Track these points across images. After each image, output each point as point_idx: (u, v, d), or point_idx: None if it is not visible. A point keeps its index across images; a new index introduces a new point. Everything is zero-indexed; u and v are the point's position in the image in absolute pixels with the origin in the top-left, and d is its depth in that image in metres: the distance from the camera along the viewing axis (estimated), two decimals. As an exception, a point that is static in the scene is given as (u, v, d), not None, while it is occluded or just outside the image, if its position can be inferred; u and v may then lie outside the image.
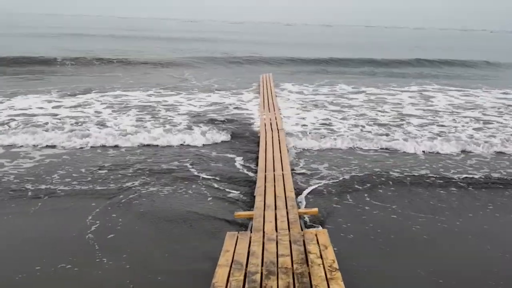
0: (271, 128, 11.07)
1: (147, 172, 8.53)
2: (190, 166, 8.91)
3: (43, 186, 7.72)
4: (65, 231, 6.21)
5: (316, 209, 6.32)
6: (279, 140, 10.05)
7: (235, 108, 14.49)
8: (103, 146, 10.10)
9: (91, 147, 10.05)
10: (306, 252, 4.78)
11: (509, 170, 9.15)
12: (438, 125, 12.68)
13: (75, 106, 13.80)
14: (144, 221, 6.56)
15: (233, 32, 51.98)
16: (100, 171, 8.52)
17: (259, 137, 10.63)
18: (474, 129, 12.36)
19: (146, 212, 6.85)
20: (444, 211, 7.09)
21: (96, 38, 39.07)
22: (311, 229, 5.60)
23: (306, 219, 6.52)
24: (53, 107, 13.60)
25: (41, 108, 13.46)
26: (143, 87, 17.73)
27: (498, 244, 6.10)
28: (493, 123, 13.14)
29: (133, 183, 7.93)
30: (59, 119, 12.23)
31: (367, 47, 38.60)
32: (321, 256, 4.65)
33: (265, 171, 7.99)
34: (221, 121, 12.53)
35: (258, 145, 9.90)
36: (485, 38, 61.99)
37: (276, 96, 16.03)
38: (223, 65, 25.08)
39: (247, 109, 14.31)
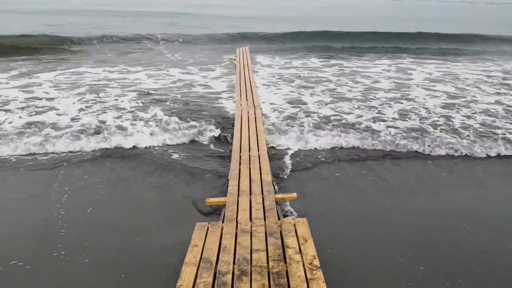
0: (247, 105, 10.49)
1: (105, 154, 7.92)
2: (157, 147, 8.33)
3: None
4: (18, 222, 5.63)
5: (294, 194, 5.82)
6: (255, 117, 9.48)
7: (200, 85, 13.64)
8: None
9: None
10: (283, 246, 4.30)
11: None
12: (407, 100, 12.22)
13: (22, 86, 12.70)
14: (104, 210, 5.98)
15: (219, 6, 50.26)
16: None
17: (233, 115, 10.06)
18: (441, 106, 11.70)
19: (105, 199, 6.27)
20: (424, 190, 6.73)
21: (79, 14, 37.47)
22: (289, 218, 5.11)
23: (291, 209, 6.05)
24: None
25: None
26: (113, 62, 16.94)
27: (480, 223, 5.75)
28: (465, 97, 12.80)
29: (89, 169, 7.33)
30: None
31: (344, 19, 37.81)
32: (300, 251, 4.17)
33: (240, 152, 7.47)
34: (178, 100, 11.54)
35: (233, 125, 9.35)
36: (464, 9, 61.63)
37: (252, 70, 15.41)
38: (202, 40, 24.08)
39: (211, 86, 13.53)
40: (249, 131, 8.60)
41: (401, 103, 11.95)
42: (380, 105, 11.63)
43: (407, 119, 10.43)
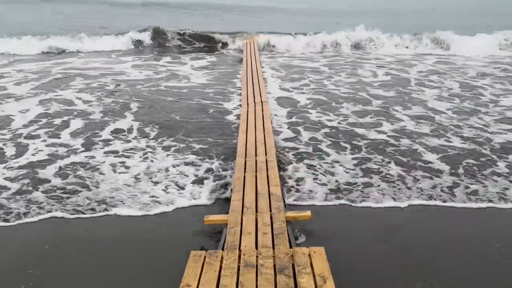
0: (254, 101, 9.58)
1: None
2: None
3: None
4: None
5: (308, 213, 4.93)
6: (262, 115, 8.57)
7: (184, 77, 12.78)
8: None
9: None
10: (296, 289, 3.42)
11: None
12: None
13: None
14: (78, 245, 4.88)
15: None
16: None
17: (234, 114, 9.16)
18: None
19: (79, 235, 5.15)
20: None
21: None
22: (302, 247, 4.19)
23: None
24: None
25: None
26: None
27: None
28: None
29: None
30: None
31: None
32: (318, 298, 3.29)
33: (246, 157, 6.57)
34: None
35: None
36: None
37: (260, 63, 14.48)
38: (208, 31, 22.40)
39: (191, 79, 12.62)
40: (255, 130, 7.70)
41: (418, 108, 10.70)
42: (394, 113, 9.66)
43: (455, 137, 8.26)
